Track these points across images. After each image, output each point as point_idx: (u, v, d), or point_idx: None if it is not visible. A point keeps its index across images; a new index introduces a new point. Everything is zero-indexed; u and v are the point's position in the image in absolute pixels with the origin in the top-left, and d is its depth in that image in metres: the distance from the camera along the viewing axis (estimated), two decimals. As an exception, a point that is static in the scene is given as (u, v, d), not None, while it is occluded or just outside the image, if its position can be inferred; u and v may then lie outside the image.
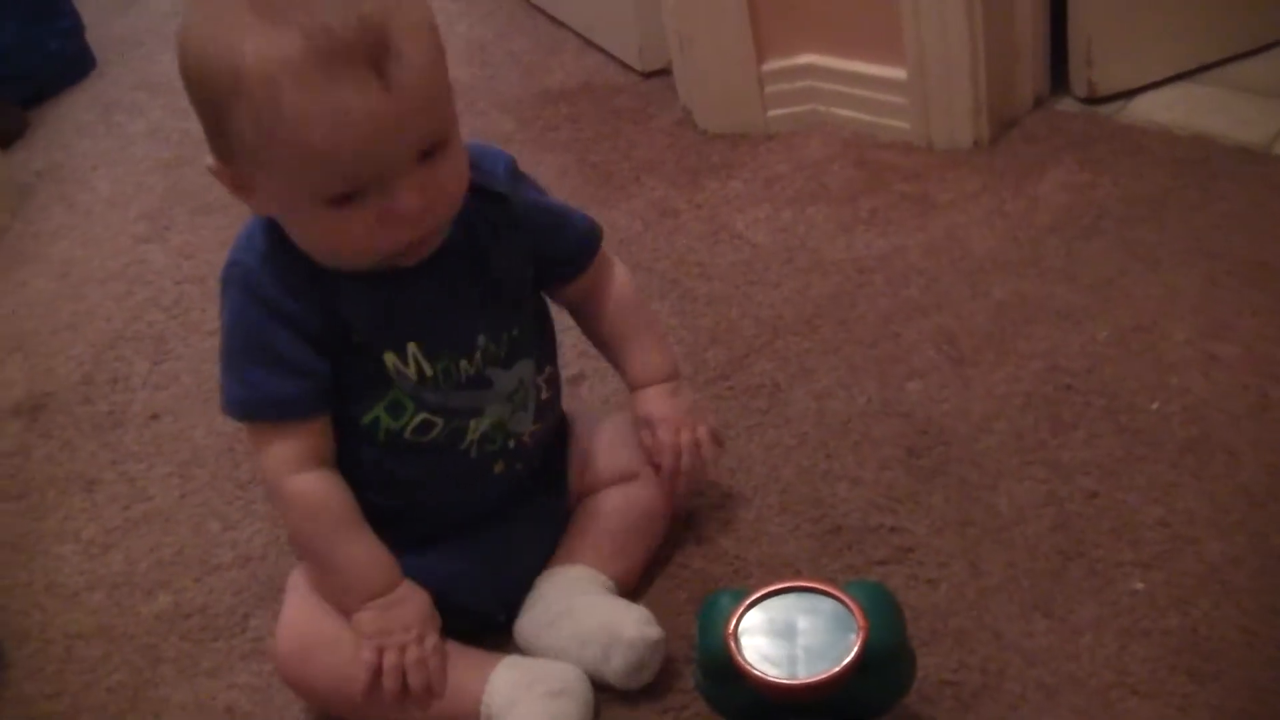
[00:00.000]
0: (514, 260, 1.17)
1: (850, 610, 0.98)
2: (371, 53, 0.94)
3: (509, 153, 1.19)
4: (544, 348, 1.24)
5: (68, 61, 2.64)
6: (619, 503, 1.26)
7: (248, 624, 1.31)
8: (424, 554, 1.18)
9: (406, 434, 1.14)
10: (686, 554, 1.28)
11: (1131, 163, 1.70)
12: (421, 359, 1.12)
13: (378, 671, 1.11)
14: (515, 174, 1.19)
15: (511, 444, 1.20)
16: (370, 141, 0.96)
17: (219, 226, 2.02)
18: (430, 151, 1.01)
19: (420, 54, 0.97)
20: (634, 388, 1.28)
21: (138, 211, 2.12)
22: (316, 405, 1.10)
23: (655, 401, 1.26)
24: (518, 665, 1.15)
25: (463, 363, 1.13)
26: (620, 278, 1.28)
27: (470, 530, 1.21)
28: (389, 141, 0.97)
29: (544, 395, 1.22)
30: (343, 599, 1.13)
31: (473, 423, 1.16)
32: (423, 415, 1.13)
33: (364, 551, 1.12)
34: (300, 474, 1.10)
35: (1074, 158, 1.74)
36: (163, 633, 1.34)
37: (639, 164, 1.94)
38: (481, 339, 1.14)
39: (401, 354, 1.11)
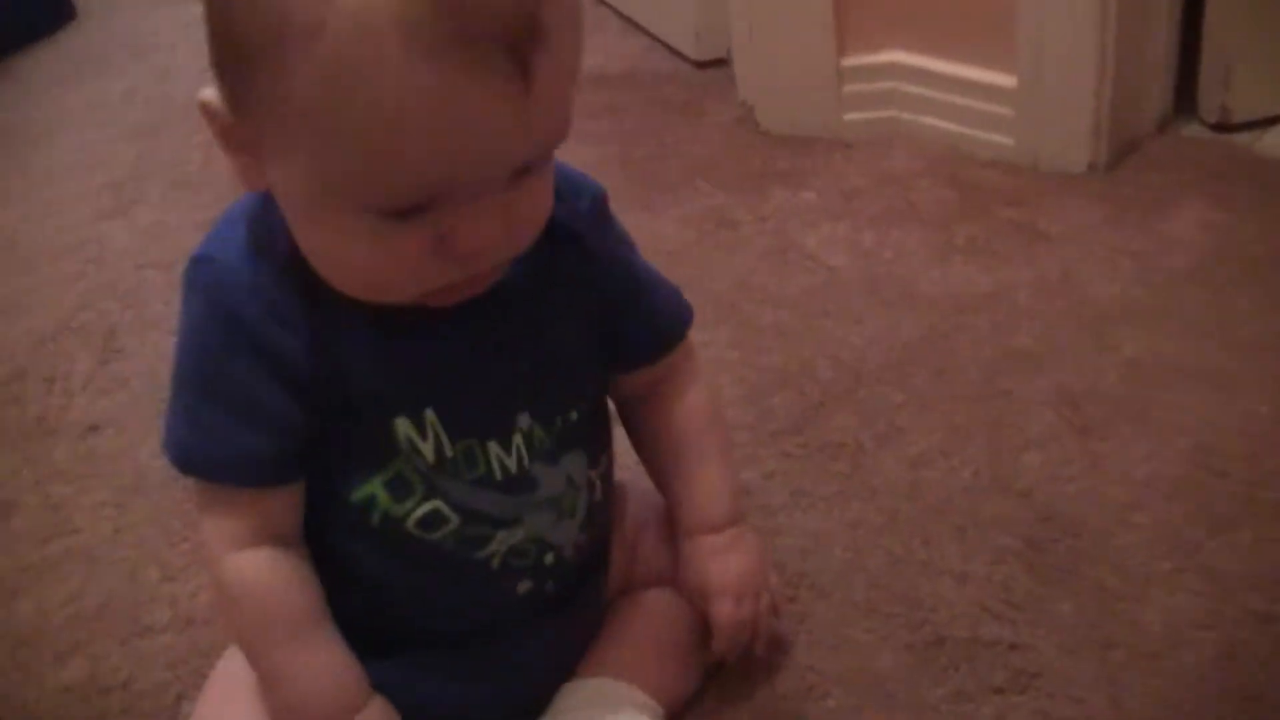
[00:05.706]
0: (577, 325, 0.94)
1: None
2: (518, 36, 0.71)
3: (600, 184, 0.97)
4: (600, 435, 1.00)
5: (44, 9, 2.59)
6: (667, 604, 1.03)
7: (180, 708, 1.09)
8: (405, 664, 0.95)
9: (409, 524, 0.90)
10: (747, 664, 1.06)
11: (1280, 203, 1.54)
12: (441, 433, 0.88)
13: None
14: (602, 213, 0.96)
15: (549, 559, 0.96)
16: (483, 145, 0.74)
17: (196, 205, 1.86)
18: (529, 166, 0.79)
19: (570, 45, 0.78)
20: (685, 532, 1.03)
21: (103, 181, 1.99)
22: (285, 470, 0.87)
23: (712, 562, 1.01)
24: None
25: (492, 446, 0.89)
26: (700, 383, 1.04)
27: (470, 643, 0.98)
28: (504, 151, 0.75)
29: (597, 496, 0.99)
30: (287, 719, 0.90)
31: (501, 533, 0.92)
32: (434, 503, 0.89)
33: (322, 661, 0.89)
34: (245, 551, 0.86)
35: (1208, 192, 1.58)
36: (71, 709, 1.11)
37: (691, 165, 1.80)
38: (524, 419, 0.90)
39: (418, 422, 0.87)
